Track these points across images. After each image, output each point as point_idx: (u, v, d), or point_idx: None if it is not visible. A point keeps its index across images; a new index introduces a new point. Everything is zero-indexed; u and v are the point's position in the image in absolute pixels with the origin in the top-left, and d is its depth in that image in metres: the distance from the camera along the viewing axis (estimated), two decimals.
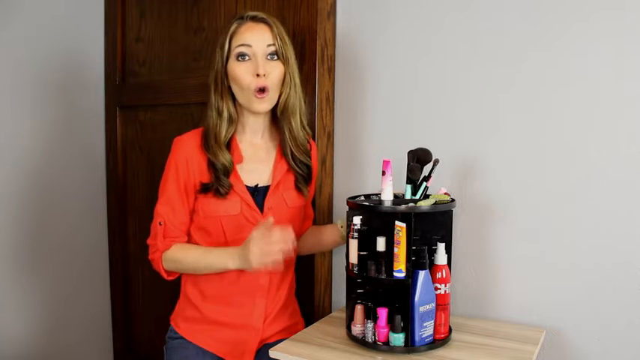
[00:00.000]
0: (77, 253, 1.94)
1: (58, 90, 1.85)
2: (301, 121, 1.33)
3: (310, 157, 1.38)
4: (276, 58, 1.25)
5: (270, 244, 1.13)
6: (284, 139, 1.32)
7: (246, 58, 1.24)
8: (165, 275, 1.33)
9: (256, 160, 1.33)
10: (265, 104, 1.26)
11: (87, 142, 1.96)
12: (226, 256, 1.22)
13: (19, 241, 1.76)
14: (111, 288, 2.05)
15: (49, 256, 1.85)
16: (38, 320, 1.83)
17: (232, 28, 1.26)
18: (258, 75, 1.22)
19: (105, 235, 2.03)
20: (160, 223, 1.29)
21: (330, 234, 1.42)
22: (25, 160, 1.76)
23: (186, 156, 1.27)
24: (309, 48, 1.50)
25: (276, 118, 1.33)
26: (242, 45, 1.23)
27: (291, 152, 1.33)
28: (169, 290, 1.51)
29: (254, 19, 1.26)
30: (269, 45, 1.24)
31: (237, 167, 1.29)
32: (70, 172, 1.90)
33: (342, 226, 1.38)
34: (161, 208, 1.29)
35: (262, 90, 1.23)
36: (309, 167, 1.37)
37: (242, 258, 1.18)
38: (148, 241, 1.33)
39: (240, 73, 1.23)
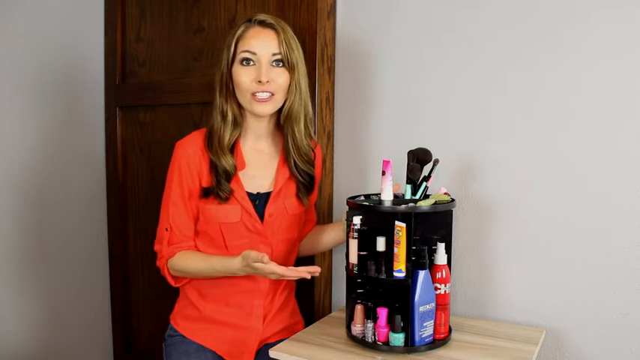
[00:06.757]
0: (77, 254, 1.93)
1: (57, 90, 1.84)
2: (306, 129, 1.30)
3: (314, 167, 1.35)
4: (281, 65, 1.24)
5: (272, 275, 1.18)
6: (287, 147, 1.30)
7: (251, 63, 1.23)
8: (172, 282, 1.32)
9: (259, 165, 1.31)
10: (267, 107, 1.24)
11: (87, 142, 1.96)
12: (234, 270, 1.21)
13: (18, 241, 1.76)
14: (111, 288, 2.05)
15: (48, 256, 1.84)
16: (38, 320, 1.83)
17: (239, 31, 1.24)
18: (260, 82, 1.21)
19: (105, 236, 2.03)
20: (166, 229, 1.28)
21: (331, 231, 1.41)
22: (24, 160, 1.76)
23: (187, 160, 1.26)
24: (309, 48, 1.50)
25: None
26: (247, 51, 1.22)
27: (294, 161, 1.30)
28: (169, 290, 1.51)
29: (262, 23, 1.24)
30: (274, 53, 1.23)
31: (240, 174, 1.28)
32: (70, 172, 1.90)
33: (346, 220, 1.36)
34: (167, 214, 1.28)
35: (262, 96, 1.22)
36: (311, 177, 1.35)
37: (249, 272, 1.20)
38: (155, 248, 1.32)
39: (243, 77, 1.23)
